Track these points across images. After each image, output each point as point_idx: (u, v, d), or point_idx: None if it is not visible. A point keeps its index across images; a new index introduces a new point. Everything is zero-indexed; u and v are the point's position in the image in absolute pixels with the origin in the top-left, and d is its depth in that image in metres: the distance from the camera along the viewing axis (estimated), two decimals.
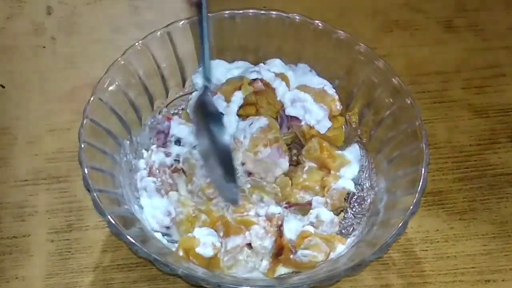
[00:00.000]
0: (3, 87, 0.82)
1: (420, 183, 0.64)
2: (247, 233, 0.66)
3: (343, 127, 0.75)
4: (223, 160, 0.67)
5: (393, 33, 0.88)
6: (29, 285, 0.68)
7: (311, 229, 0.68)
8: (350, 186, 0.71)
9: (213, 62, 0.76)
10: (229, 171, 0.67)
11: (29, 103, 0.80)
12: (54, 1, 0.90)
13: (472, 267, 0.69)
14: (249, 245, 0.66)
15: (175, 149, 0.71)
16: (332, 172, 0.72)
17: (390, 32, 0.88)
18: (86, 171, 0.63)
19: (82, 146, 0.64)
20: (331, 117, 0.74)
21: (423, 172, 0.65)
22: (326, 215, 0.68)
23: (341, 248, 0.67)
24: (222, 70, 0.75)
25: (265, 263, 0.67)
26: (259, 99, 0.74)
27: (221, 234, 0.66)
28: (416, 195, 0.64)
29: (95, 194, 0.62)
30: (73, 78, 0.82)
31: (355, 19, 0.89)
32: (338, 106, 0.73)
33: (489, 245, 0.71)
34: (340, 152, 0.73)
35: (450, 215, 0.73)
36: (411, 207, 0.63)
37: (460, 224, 0.72)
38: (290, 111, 0.74)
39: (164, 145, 0.72)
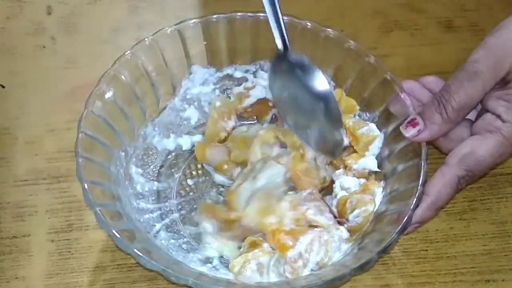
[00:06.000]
0: (3, 87, 0.82)
1: (421, 175, 0.64)
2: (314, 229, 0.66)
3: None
4: (324, 109, 0.66)
5: (393, 33, 0.88)
6: (29, 285, 0.68)
7: (343, 193, 0.68)
8: (372, 165, 0.70)
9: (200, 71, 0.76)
10: (334, 118, 0.66)
11: (29, 103, 0.80)
12: (54, 1, 0.90)
13: (472, 267, 0.69)
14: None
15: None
16: (358, 152, 0.71)
17: (390, 32, 0.88)
18: (86, 187, 0.62)
19: (80, 161, 0.64)
20: None
21: (423, 164, 0.65)
22: (349, 181, 0.69)
23: (379, 191, 0.68)
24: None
25: (344, 230, 0.66)
26: None
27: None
28: (418, 188, 0.64)
29: (98, 210, 0.61)
30: (73, 78, 0.82)
31: (355, 19, 0.88)
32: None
33: (489, 245, 0.71)
34: (363, 130, 0.71)
35: (450, 215, 0.73)
36: (415, 200, 0.63)
37: (460, 224, 0.72)
38: None
39: None
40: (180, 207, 0.72)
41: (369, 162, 0.70)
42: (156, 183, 0.73)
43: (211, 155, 0.72)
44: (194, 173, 0.74)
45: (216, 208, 0.69)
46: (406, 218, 0.63)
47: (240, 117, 0.76)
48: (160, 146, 0.75)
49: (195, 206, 0.72)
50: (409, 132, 0.67)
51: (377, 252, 0.61)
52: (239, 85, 0.77)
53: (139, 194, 0.71)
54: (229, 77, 0.77)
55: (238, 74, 0.77)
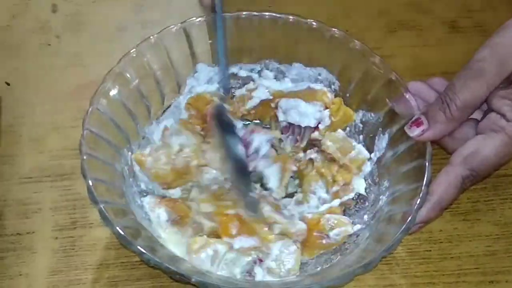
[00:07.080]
0: (8, 84, 0.82)
1: (426, 175, 0.64)
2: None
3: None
4: (239, 172, 0.69)
5: (398, 33, 0.88)
6: (32, 282, 0.68)
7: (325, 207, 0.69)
8: (360, 188, 0.71)
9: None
10: (245, 183, 0.69)
11: (34, 100, 0.81)
12: None
13: (476, 268, 0.69)
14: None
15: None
16: (347, 166, 0.71)
17: (395, 32, 0.88)
18: (90, 183, 0.62)
19: (84, 157, 0.64)
20: (328, 107, 0.74)
21: (427, 164, 0.65)
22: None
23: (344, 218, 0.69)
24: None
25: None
26: None
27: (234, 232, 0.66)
28: (422, 188, 0.64)
29: (102, 206, 0.61)
30: (78, 76, 0.82)
31: (360, 19, 0.89)
32: (330, 96, 0.73)
33: (493, 246, 0.71)
34: (352, 155, 0.71)
35: (454, 215, 0.73)
36: (419, 201, 0.63)
37: (464, 224, 0.72)
38: (285, 118, 0.74)
39: None
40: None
41: (358, 184, 0.71)
42: None
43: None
44: None
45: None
46: (410, 218, 0.63)
47: (244, 119, 0.77)
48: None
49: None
50: (414, 132, 0.67)
51: (381, 252, 0.61)
52: (242, 86, 0.77)
53: (143, 191, 0.71)
54: (234, 76, 0.77)
55: (243, 73, 0.77)
